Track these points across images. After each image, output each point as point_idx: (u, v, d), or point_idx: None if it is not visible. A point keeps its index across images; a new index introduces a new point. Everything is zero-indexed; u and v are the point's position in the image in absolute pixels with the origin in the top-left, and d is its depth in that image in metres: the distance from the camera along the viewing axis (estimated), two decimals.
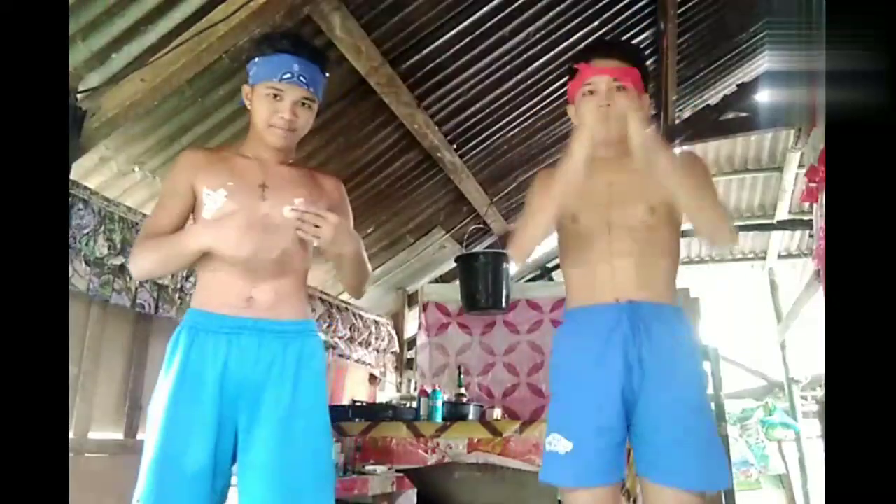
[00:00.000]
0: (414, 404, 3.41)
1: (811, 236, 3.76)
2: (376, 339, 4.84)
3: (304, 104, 1.59)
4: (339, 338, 4.34)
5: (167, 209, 1.58)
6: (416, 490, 3.07)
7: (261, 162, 1.62)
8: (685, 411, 1.49)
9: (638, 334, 1.51)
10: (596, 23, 3.57)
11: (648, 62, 4.22)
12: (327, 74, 1.68)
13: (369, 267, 1.70)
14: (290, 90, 1.56)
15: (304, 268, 1.64)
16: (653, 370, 1.50)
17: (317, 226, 1.45)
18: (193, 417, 1.44)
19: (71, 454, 2.51)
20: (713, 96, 5.11)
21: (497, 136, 4.09)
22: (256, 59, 1.60)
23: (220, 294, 1.52)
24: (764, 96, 4.89)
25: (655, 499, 1.49)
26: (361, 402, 3.77)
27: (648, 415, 1.50)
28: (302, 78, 1.56)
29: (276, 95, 1.56)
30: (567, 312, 1.67)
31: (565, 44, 3.59)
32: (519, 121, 4.04)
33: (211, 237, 1.46)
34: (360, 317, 4.66)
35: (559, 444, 1.51)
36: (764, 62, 4.89)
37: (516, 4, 3.16)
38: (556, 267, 6.09)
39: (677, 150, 3.99)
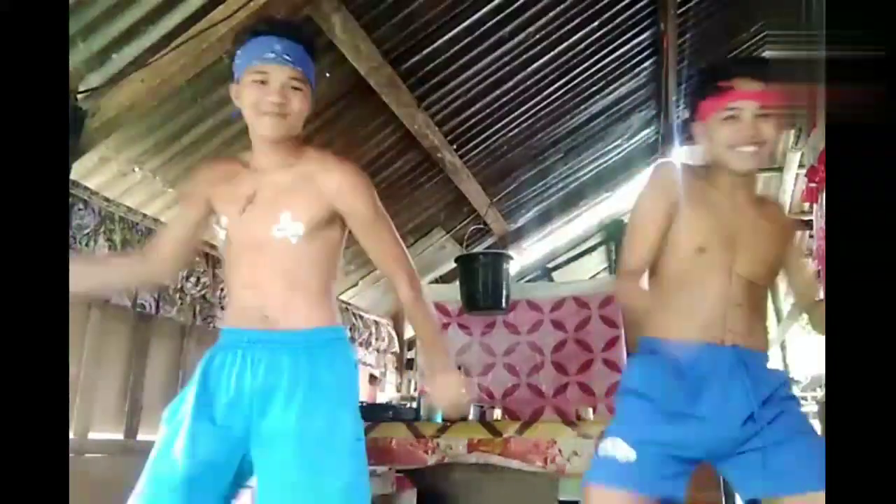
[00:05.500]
0: (414, 404, 3.41)
1: (811, 236, 3.75)
2: (376, 339, 4.84)
3: (294, 87, 1.42)
4: None
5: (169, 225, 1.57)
6: (416, 490, 3.06)
7: (258, 171, 1.50)
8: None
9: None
10: (596, 23, 3.57)
11: (648, 63, 4.22)
12: (319, 62, 1.55)
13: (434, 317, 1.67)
14: (276, 71, 1.41)
15: (321, 278, 1.53)
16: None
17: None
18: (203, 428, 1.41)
19: (71, 454, 2.50)
20: None
21: (497, 136, 4.09)
22: (237, 52, 1.46)
23: (236, 312, 1.52)
24: None
25: None
26: (361, 402, 3.75)
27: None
28: (286, 56, 1.41)
29: (262, 81, 1.41)
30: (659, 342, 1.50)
31: (565, 44, 3.59)
32: (519, 121, 4.04)
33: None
34: (361, 317, 4.66)
35: None
36: None
37: (516, 4, 3.16)
38: (556, 267, 6.07)
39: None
